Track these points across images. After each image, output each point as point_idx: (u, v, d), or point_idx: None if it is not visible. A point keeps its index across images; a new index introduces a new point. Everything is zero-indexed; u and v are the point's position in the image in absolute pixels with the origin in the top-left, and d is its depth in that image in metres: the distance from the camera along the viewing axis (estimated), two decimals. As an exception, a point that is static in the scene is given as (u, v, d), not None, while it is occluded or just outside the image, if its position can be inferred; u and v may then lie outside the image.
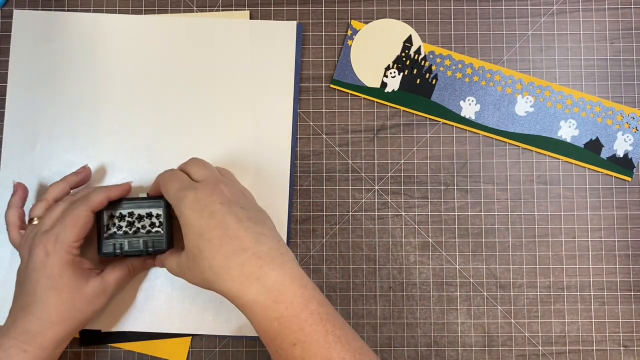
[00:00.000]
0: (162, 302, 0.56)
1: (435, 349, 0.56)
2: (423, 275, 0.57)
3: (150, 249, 0.52)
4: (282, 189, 0.57)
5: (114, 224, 0.53)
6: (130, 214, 0.53)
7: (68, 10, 0.59)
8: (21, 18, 0.58)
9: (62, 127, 0.57)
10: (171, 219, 0.53)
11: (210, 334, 0.56)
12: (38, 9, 0.59)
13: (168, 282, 0.56)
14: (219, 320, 0.56)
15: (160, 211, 0.53)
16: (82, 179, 0.54)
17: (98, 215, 0.52)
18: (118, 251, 0.52)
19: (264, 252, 0.43)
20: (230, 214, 0.44)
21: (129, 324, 0.56)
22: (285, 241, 0.57)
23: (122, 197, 0.53)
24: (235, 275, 0.42)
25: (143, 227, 0.53)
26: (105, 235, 0.52)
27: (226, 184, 0.47)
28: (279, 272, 0.42)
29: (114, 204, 0.53)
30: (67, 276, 0.48)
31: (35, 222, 0.50)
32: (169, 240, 0.52)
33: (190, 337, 0.56)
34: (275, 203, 0.57)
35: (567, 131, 0.57)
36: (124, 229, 0.53)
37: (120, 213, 0.53)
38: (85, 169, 0.55)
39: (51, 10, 0.59)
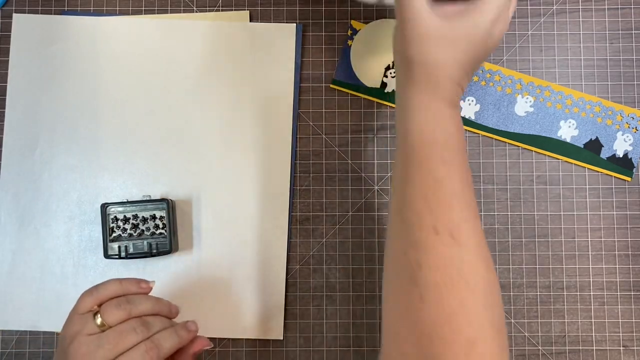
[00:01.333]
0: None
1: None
2: (423, 275, 0.57)
3: (155, 251, 0.53)
4: (282, 189, 0.57)
5: (119, 227, 0.54)
6: (135, 217, 0.54)
7: (68, 10, 0.59)
8: (21, 21, 0.58)
9: (62, 130, 0.57)
10: (175, 221, 0.55)
11: (211, 336, 0.56)
12: (38, 9, 0.59)
13: (169, 285, 0.56)
14: (220, 322, 0.56)
15: (164, 213, 0.54)
16: (172, 316, 0.47)
17: (103, 218, 0.53)
18: (123, 254, 0.53)
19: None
20: (470, 64, 0.43)
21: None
22: (286, 241, 0.57)
23: (127, 200, 0.54)
24: (430, 83, 0.41)
25: (147, 229, 0.54)
26: (110, 238, 0.53)
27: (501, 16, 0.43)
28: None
29: (118, 206, 0.53)
30: None
31: (99, 323, 0.42)
32: (173, 242, 0.54)
33: (191, 337, 0.56)
34: (275, 203, 0.57)
35: (567, 131, 0.58)
36: (128, 231, 0.54)
37: (125, 216, 0.54)
38: (149, 285, 0.47)
39: (51, 10, 0.59)
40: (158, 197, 0.55)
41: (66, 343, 0.42)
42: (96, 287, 0.44)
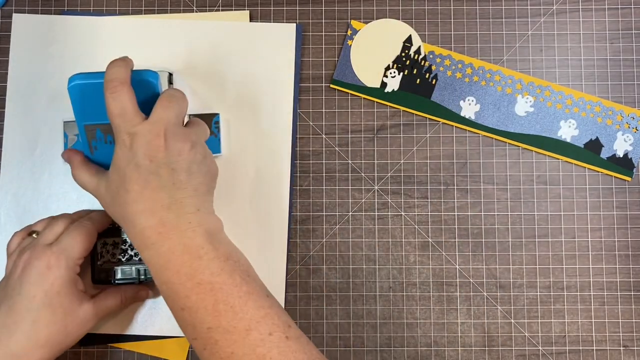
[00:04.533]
0: (163, 306, 0.56)
1: (435, 349, 0.56)
2: (423, 275, 0.57)
3: (143, 277, 0.53)
4: (282, 189, 0.57)
5: (108, 252, 0.53)
6: (124, 242, 0.53)
7: (68, 10, 0.59)
8: (21, 21, 0.58)
9: (62, 130, 0.57)
10: None
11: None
12: (38, 9, 0.59)
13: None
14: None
15: None
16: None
17: None
18: (111, 279, 0.53)
19: (171, 220, 0.43)
20: (154, 175, 0.43)
21: (130, 328, 0.56)
22: (286, 241, 0.57)
23: (117, 225, 0.54)
24: (137, 233, 0.43)
25: (136, 254, 0.53)
26: (99, 262, 0.53)
27: (172, 136, 0.44)
28: (175, 241, 0.43)
29: (107, 231, 0.53)
30: (65, 295, 0.46)
31: (35, 236, 0.49)
32: None
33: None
34: (275, 203, 0.57)
35: (567, 131, 0.57)
36: (117, 256, 0.53)
37: (114, 241, 0.53)
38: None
39: (51, 10, 0.59)
40: None
41: (14, 260, 0.48)
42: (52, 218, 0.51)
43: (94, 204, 0.57)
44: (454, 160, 0.58)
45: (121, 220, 0.45)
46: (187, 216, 0.43)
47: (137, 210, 0.43)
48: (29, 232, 0.50)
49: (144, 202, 0.43)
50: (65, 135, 0.55)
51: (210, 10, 0.59)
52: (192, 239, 0.43)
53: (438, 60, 0.58)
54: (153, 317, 0.56)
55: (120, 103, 0.44)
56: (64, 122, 0.55)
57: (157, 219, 0.43)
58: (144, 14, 0.59)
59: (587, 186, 0.57)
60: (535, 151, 0.58)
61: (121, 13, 0.59)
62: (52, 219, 0.50)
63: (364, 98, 0.58)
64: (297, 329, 0.44)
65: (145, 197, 0.43)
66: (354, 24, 0.59)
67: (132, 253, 0.54)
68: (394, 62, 0.58)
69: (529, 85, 0.58)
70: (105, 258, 0.53)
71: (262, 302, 0.43)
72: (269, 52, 0.58)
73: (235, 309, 0.42)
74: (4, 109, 0.58)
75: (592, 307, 0.56)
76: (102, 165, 0.51)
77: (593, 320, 0.56)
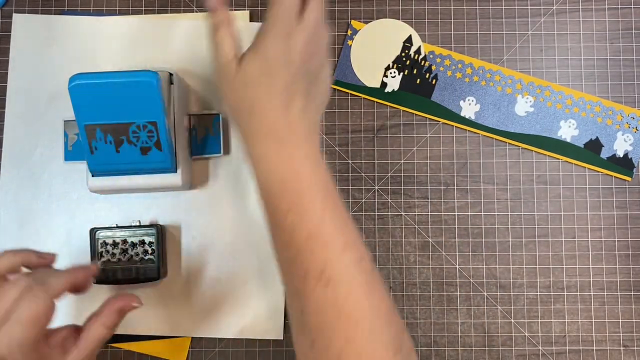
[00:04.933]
0: (163, 306, 0.56)
1: (435, 348, 0.56)
2: (423, 275, 0.57)
3: (143, 277, 0.53)
4: (282, 189, 0.57)
5: (108, 252, 0.53)
6: (124, 242, 0.54)
7: (68, 10, 0.59)
8: (21, 21, 0.58)
9: (62, 131, 0.57)
10: (164, 247, 0.55)
11: (211, 337, 0.56)
12: (38, 9, 0.59)
13: (168, 286, 0.56)
14: (220, 322, 0.56)
15: (153, 239, 0.54)
16: (43, 265, 0.44)
17: (92, 242, 0.53)
18: (111, 279, 0.53)
19: (301, 121, 0.41)
20: (300, 77, 0.41)
21: (130, 328, 0.56)
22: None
23: (117, 225, 0.54)
24: (263, 125, 0.41)
25: (136, 254, 0.54)
26: (99, 262, 0.53)
27: (323, 46, 0.43)
28: (301, 140, 0.41)
29: (107, 231, 0.54)
30: None
31: None
32: (161, 269, 0.54)
33: (190, 338, 0.56)
34: (275, 203, 0.57)
35: (567, 131, 0.58)
36: (117, 256, 0.53)
37: (114, 240, 0.54)
38: (52, 256, 0.45)
39: (51, 10, 0.59)
40: (148, 222, 0.56)
41: None
42: None
43: (94, 204, 0.57)
44: (454, 160, 0.58)
45: (244, 109, 0.41)
46: (314, 123, 0.43)
47: (273, 104, 0.41)
48: None
49: (282, 98, 0.41)
50: (66, 135, 0.55)
51: (210, 10, 0.59)
52: (315, 145, 0.42)
53: (438, 60, 0.58)
54: (153, 317, 0.56)
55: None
56: (64, 121, 0.55)
57: (289, 117, 0.41)
58: (144, 14, 0.59)
59: (587, 186, 0.57)
60: (535, 151, 0.58)
61: (121, 13, 0.59)
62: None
63: (364, 98, 0.58)
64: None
65: (286, 93, 0.41)
66: (354, 24, 0.59)
67: (132, 253, 0.54)
68: (394, 62, 0.58)
69: (529, 85, 0.58)
70: (105, 258, 0.54)
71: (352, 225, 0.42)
72: (269, 52, 0.58)
73: (338, 222, 0.40)
74: (4, 109, 0.58)
75: (592, 307, 0.56)
76: (102, 165, 0.51)
77: (593, 320, 0.56)
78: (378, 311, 0.38)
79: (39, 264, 0.43)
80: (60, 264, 0.56)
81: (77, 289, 0.43)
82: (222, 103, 0.43)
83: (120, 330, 0.55)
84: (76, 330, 0.42)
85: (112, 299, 0.43)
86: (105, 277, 0.53)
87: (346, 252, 0.39)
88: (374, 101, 0.58)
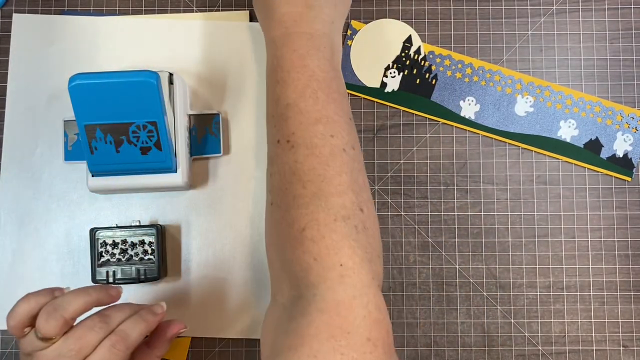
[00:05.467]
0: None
1: (435, 349, 0.56)
2: (423, 275, 0.57)
3: (143, 277, 0.53)
4: (282, 189, 0.57)
5: (107, 252, 0.53)
6: (124, 242, 0.54)
7: (68, 10, 0.59)
8: (21, 21, 0.58)
9: (62, 131, 0.57)
10: (164, 247, 0.55)
11: (211, 337, 0.56)
12: (38, 9, 0.59)
13: (168, 286, 0.56)
14: (220, 322, 0.56)
15: (153, 239, 0.54)
16: (114, 300, 0.44)
17: (92, 242, 0.53)
18: (111, 279, 0.53)
19: (309, 16, 0.47)
20: None
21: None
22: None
23: (117, 225, 0.54)
24: (275, 19, 0.47)
25: (136, 254, 0.54)
26: (98, 263, 0.53)
27: None
28: (305, 30, 0.47)
29: (107, 231, 0.54)
30: None
31: (53, 343, 0.39)
32: (161, 268, 0.54)
33: (190, 338, 0.56)
34: (275, 203, 0.57)
35: (567, 131, 0.58)
36: (117, 256, 0.53)
37: (114, 240, 0.54)
38: (119, 293, 0.44)
39: (51, 10, 0.59)
40: (147, 221, 0.56)
41: None
42: (60, 304, 0.40)
43: (94, 204, 0.57)
44: (454, 160, 0.58)
45: (263, 5, 0.48)
46: (323, 20, 0.47)
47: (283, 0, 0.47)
48: (44, 337, 0.40)
49: None
50: (66, 135, 0.55)
51: (210, 10, 0.59)
52: (320, 39, 0.47)
53: (438, 60, 0.58)
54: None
55: None
56: (64, 121, 0.55)
57: (299, 11, 0.46)
58: (144, 14, 0.59)
59: (587, 186, 0.57)
60: (535, 151, 0.58)
61: (121, 13, 0.59)
62: (76, 331, 0.40)
63: (364, 98, 0.58)
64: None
65: None
66: (354, 24, 0.59)
67: (132, 253, 0.54)
68: (393, 62, 0.58)
69: (529, 85, 0.58)
70: (105, 258, 0.54)
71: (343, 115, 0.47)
72: (269, 52, 0.58)
73: (319, 100, 0.44)
74: (4, 109, 0.58)
75: (592, 307, 0.56)
76: (102, 165, 0.51)
77: (593, 320, 0.56)
78: (330, 179, 0.42)
79: (109, 302, 0.43)
80: (60, 264, 0.56)
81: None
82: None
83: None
84: None
85: (163, 327, 0.45)
86: (105, 277, 0.53)
87: (318, 125, 0.43)
88: (373, 101, 0.58)
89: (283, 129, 0.43)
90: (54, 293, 0.41)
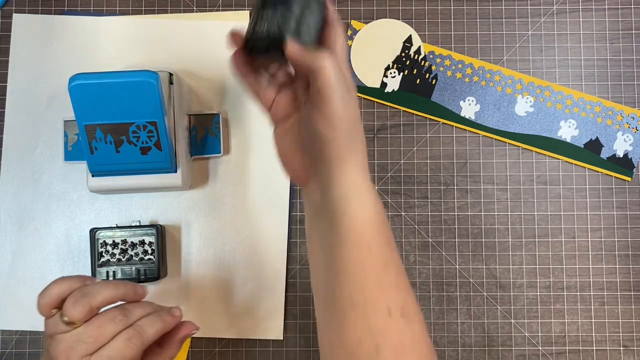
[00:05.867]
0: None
1: (435, 349, 0.56)
2: (423, 275, 0.57)
3: (143, 277, 0.53)
4: (282, 189, 0.57)
5: (107, 252, 0.54)
6: (124, 242, 0.54)
7: (68, 10, 0.59)
8: (21, 21, 0.58)
9: (62, 131, 0.57)
10: (164, 247, 0.55)
11: (211, 337, 0.56)
12: (38, 9, 0.59)
13: (168, 286, 0.56)
14: (220, 322, 0.56)
15: (153, 239, 0.54)
16: (139, 298, 0.45)
17: (92, 242, 0.53)
18: (111, 279, 0.53)
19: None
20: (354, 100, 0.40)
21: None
22: (286, 241, 0.57)
23: (117, 225, 0.55)
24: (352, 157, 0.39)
25: (136, 254, 0.54)
26: (98, 263, 0.54)
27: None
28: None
29: (107, 231, 0.54)
30: None
31: (75, 327, 0.41)
32: (161, 268, 0.54)
33: (190, 338, 0.56)
34: (276, 203, 0.57)
35: (567, 131, 0.57)
36: (117, 256, 0.54)
37: (114, 241, 0.54)
38: (144, 291, 0.45)
39: (51, 10, 0.59)
40: (148, 220, 0.56)
41: (47, 343, 0.41)
42: (89, 291, 0.41)
43: (94, 204, 0.57)
44: (454, 160, 0.58)
45: (342, 160, 0.39)
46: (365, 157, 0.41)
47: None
48: (69, 321, 0.41)
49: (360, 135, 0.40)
50: (66, 135, 0.55)
51: (210, 10, 0.59)
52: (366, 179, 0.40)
53: (438, 60, 0.58)
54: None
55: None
56: (64, 121, 0.55)
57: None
58: (144, 14, 0.59)
59: (587, 186, 0.57)
60: (535, 151, 0.58)
61: (121, 13, 0.59)
62: (97, 319, 0.41)
63: (364, 98, 0.58)
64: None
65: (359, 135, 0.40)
66: (354, 24, 0.59)
67: (132, 253, 0.54)
68: (394, 62, 0.58)
69: (529, 85, 0.58)
70: (105, 258, 0.54)
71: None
72: (269, 52, 0.58)
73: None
74: (4, 109, 0.58)
75: (592, 307, 0.56)
76: (102, 165, 0.51)
77: (593, 320, 0.56)
78: (434, 351, 0.39)
79: (134, 300, 0.44)
80: (60, 264, 0.56)
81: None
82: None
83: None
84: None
85: (176, 327, 0.45)
86: (105, 277, 0.53)
87: (410, 287, 0.40)
88: (374, 101, 0.58)
89: (395, 298, 0.39)
90: (85, 281, 0.43)
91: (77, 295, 0.41)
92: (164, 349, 0.44)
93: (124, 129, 0.49)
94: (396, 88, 0.58)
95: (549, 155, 0.57)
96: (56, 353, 0.40)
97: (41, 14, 0.59)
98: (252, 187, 0.57)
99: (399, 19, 0.59)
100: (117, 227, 0.54)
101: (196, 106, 0.58)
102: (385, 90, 0.58)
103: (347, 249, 0.38)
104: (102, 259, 0.54)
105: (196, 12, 0.59)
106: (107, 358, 0.40)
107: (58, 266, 0.56)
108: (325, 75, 0.36)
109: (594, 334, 0.56)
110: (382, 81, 0.58)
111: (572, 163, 0.57)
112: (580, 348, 0.56)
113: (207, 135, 0.56)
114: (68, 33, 0.58)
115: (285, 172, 0.43)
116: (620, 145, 0.57)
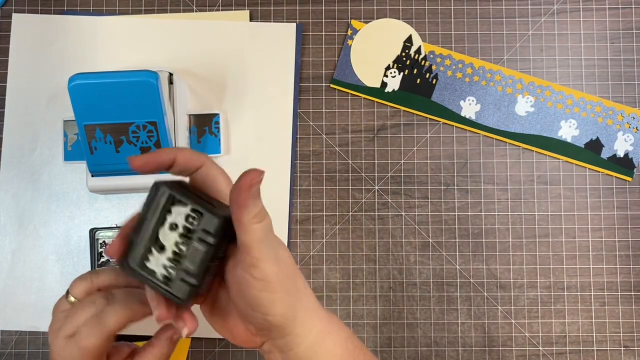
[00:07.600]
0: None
1: (435, 349, 0.56)
2: (423, 276, 0.57)
3: (169, 291, 0.37)
4: (282, 189, 0.57)
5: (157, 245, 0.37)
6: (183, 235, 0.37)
7: (68, 10, 0.59)
8: (21, 21, 0.58)
9: (61, 131, 0.57)
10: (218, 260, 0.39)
11: (211, 337, 0.56)
12: (38, 9, 0.59)
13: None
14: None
15: (214, 230, 0.36)
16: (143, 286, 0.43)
17: (91, 243, 0.52)
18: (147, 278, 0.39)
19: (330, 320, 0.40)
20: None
21: (131, 328, 0.56)
22: (286, 242, 0.57)
23: (116, 225, 0.52)
24: (309, 340, 0.38)
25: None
26: (98, 263, 0.52)
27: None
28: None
29: (107, 231, 0.52)
30: None
31: (72, 300, 0.41)
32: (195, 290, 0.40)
33: (190, 338, 0.56)
34: (276, 203, 0.57)
35: (568, 131, 0.57)
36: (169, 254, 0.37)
37: (176, 225, 0.37)
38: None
39: (51, 10, 0.59)
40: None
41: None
42: (95, 271, 0.42)
43: (94, 204, 0.57)
44: (454, 160, 0.58)
45: (291, 319, 0.37)
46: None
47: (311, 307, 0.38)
48: (67, 293, 0.41)
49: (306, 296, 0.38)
50: (65, 135, 0.55)
51: (210, 10, 0.59)
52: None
53: (438, 60, 0.58)
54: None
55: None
56: (64, 121, 0.55)
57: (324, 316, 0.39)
58: (144, 14, 0.59)
59: (588, 186, 0.57)
60: (535, 151, 0.57)
61: (121, 13, 0.59)
62: (87, 297, 0.41)
63: (364, 98, 0.58)
64: None
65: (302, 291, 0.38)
66: (354, 23, 0.59)
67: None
68: (394, 62, 0.58)
69: (530, 85, 0.58)
70: (105, 258, 0.54)
71: None
72: (268, 52, 0.58)
73: None
74: (4, 108, 0.58)
75: (593, 307, 0.56)
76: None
77: (593, 320, 0.56)
78: None
79: (137, 287, 0.42)
80: (60, 264, 0.56)
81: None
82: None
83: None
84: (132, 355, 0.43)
85: (162, 329, 0.43)
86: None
87: None
88: (374, 101, 0.58)
89: None
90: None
91: (85, 273, 0.41)
92: (153, 346, 0.43)
93: (124, 129, 0.49)
94: (396, 88, 0.58)
95: (549, 155, 0.57)
96: (49, 332, 0.40)
97: (41, 13, 0.59)
98: (252, 187, 0.57)
99: (399, 19, 0.59)
100: (117, 227, 0.54)
101: (196, 106, 0.58)
102: (386, 90, 0.58)
103: None
104: (102, 259, 0.54)
105: (196, 12, 0.59)
106: (75, 342, 0.38)
107: (58, 266, 0.56)
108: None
109: (594, 334, 0.56)
110: (382, 81, 0.58)
111: (572, 163, 0.57)
112: (581, 348, 0.56)
113: (207, 135, 0.56)
114: (68, 33, 0.58)
115: (235, 343, 0.41)
116: (621, 145, 0.57)
